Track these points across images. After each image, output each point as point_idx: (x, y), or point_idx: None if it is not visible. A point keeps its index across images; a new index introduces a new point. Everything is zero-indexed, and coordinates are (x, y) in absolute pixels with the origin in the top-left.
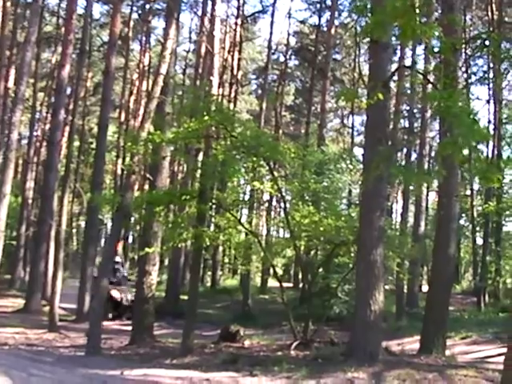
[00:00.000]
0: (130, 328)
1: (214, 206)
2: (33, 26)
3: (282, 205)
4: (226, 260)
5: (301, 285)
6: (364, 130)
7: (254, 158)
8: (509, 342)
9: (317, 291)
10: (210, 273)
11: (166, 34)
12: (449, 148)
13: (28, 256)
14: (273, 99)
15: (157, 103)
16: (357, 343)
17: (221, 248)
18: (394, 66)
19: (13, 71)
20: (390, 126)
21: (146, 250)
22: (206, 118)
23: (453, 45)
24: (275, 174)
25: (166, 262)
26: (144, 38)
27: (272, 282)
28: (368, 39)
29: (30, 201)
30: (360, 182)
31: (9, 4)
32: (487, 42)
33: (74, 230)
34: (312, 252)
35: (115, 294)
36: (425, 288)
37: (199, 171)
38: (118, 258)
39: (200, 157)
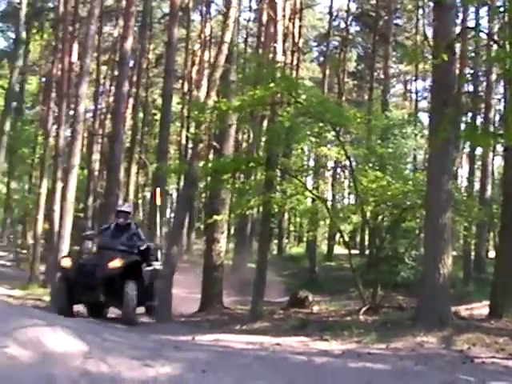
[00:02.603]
0: (199, 296)
1: (279, 173)
2: (96, 0)
3: (349, 170)
4: (292, 228)
5: (367, 251)
6: (429, 94)
7: (321, 124)
8: None
9: (384, 257)
10: (275, 241)
11: (228, 2)
12: None
13: (96, 228)
14: (335, 65)
15: (222, 72)
16: (425, 307)
17: (286, 216)
18: (458, 28)
19: (76, 46)
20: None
21: (215, 217)
22: (272, 85)
23: None
24: (341, 139)
25: (231, 230)
26: (204, 9)
27: (338, 249)
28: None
29: (96, 173)
30: (425, 147)
31: None
32: None
33: (140, 201)
34: (379, 217)
35: (65, 261)
36: (491, 253)
37: (263, 138)
38: (126, 207)
39: (264, 124)
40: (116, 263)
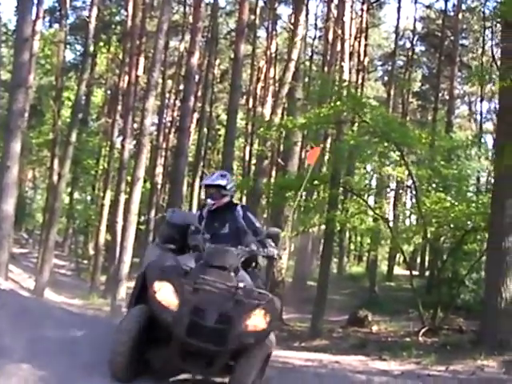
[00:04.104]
0: None
1: (341, 191)
2: (165, 15)
3: (412, 191)
4: (352, 247)
5: (427, 272)
6: (495, 116)
7: (386, 144)
8: None
9: (444, 279)
10: (335, 259)
11: (296, 20)
12: None
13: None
14: (403, 85)
15: (288, 89)
16: (486, 331)
17: (347, 234)
18: None
19: (142, 60)
20: None
21: None
22: (338, 103)
23: None
24: (406, 159)
25: (292, 248)
26: (270, 25)
27: (397, 270)
28: (499, 21)
29: (159, 186)
30: (489, 169)
31: None
32: None
33: None
34: (441, 239)
35: (166, 293)
36: None
37: (327, 157)
38: (216, 178)
39: (328, 142)
40: (258, 322)
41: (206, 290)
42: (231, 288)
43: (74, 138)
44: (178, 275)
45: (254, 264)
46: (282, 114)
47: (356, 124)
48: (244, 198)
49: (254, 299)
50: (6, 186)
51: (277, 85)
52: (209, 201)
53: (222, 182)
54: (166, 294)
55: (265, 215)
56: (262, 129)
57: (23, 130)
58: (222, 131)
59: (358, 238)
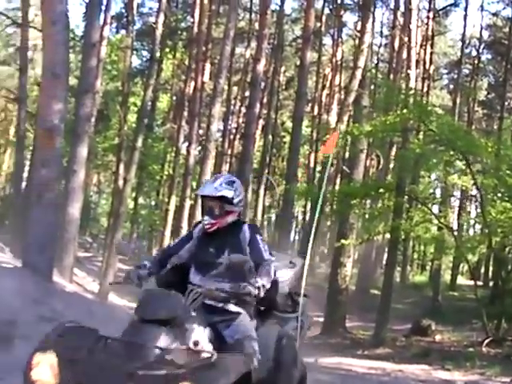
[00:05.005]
0: (319, 319)
1: (406, 200)
2: (231, 21)
3: (477, 200)
4: (415, 256)
5: (491, 283)
6: None
7: (451, 152)
8: None
9: (509, 289)
10: (399, 268)
11: (362, 27)
12: None
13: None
14: (469, 93)
15: (354, 96)
16: None
17: (410, 243)
18: None
19: (208, 66)
20: None
21: (342, 241)
22: (405, 111)
23: None
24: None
25: (355, 256)
26: (336, 33)
27: (460, 280)
28: None
29: None
30: None
31: (206, 1)
32: None
33: (265, 223)
34: (506, 249)
35: (42, 370)
36: None
37: (392, 165)
38: (212, 187)
39: (393, 150)
40: None
41: (103, 362)
42: (136, 353)
43: (139, 143)
44: (76, 342)
45: (290, 303)
46: (348, 121)
47: (422, 132)
48: (308, 206)
49: (173, 366)
50: (73, 190)
51: (342, 92)
52: (206, 219)
53: (229, 194)
54: (43, 371)
55: (328, 223)
56: (327, 136)
57: (90, 134)
58: (287, 138)
59: (422, 247)
